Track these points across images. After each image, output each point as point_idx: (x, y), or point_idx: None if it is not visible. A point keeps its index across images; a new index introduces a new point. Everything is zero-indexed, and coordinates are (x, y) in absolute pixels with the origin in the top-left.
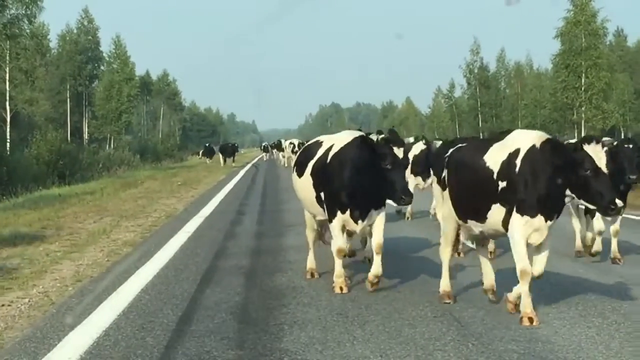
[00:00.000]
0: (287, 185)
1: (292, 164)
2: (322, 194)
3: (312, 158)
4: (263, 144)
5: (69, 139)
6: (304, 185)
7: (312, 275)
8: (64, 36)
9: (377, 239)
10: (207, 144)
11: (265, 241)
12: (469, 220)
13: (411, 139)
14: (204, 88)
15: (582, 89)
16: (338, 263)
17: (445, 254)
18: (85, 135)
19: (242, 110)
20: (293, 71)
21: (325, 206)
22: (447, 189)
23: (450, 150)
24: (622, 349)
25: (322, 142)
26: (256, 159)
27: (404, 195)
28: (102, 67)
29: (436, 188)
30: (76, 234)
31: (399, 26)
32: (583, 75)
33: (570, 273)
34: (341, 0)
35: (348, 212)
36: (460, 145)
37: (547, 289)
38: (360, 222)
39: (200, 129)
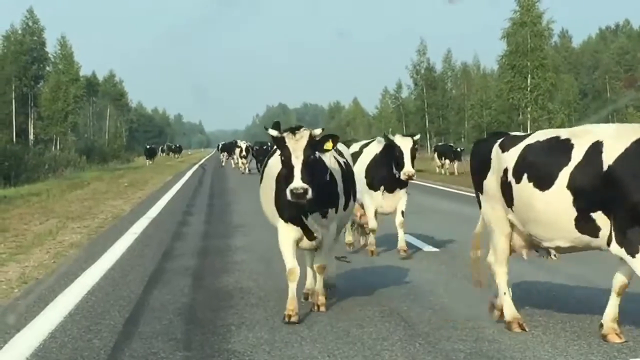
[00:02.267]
0: (234, 187)
1: (240, 167)
2: (593, 214)
3: (561, 164)
4: (220, 144)
5: (14, 140)
6: (549, 204)
7: (521, 327)
8: (8, 37)
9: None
10: (148, 145)
11: (213, 242)
12: None
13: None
14: (150, 89)
15: (528, 89)
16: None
17: None
18: (31, 136)
19: (189, 111)
20: (240, 71)
21: (621, 232)
22: None
23: None
24: (568, 347)
25: (567, 140)
26: (203, 160)
27: None
28: (47, 68)
29: None
30: (22, 236)
31: (346, 26)
32: (529, 76)
33: (517, 273)
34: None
35: None
36: None
37: (493, 288)
38: None
39: (147, 130)
